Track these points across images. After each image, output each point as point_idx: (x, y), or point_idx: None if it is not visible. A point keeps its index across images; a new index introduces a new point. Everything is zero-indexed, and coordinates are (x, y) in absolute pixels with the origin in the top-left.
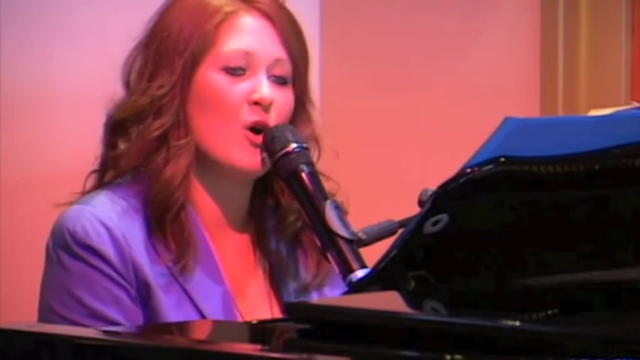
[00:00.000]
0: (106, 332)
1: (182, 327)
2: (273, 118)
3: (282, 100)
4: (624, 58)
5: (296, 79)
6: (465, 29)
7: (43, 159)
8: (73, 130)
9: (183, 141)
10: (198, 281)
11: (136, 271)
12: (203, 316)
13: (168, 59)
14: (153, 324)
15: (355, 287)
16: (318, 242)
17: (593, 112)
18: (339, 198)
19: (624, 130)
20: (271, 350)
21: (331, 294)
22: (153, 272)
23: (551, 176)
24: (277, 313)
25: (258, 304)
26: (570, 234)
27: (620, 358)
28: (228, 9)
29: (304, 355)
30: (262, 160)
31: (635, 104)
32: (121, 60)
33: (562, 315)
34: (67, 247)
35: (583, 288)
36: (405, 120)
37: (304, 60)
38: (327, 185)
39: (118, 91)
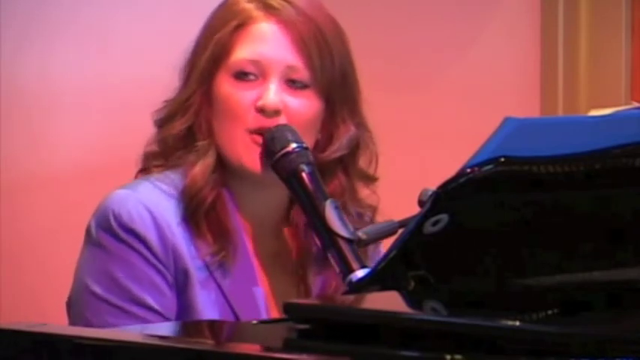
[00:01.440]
0: (105, 332)
1: (181, 327)
2: (282, 122)
3: (296, 105)
4: (624, 58)
5: (320, 85)
6: (465, 29)
7: (43, 159)
8: (73, 130)
9: (205, 142)
10: (234, 280)
11: (176, 259)
12: (236, 315)
13: (194, 65)
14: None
15: (355, 287)
16: (318, 242)
17: (593, 112)
18: (380, 214)
19: (624, 130)
20: (271, 350)
21: None
22: (192, 264)
23: (551, 176)
24: None
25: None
26: (570, 234)
27: (620, 358)
28: (245, 16)
29: (304, 355)
30: (261, 161)
31: (635, 104)
32: (121, 60)
33: (562, 315)
34: (110, 230)
35: (583, 288)
36: (404, 120)
37: (329, 64)
38: (370, 198)
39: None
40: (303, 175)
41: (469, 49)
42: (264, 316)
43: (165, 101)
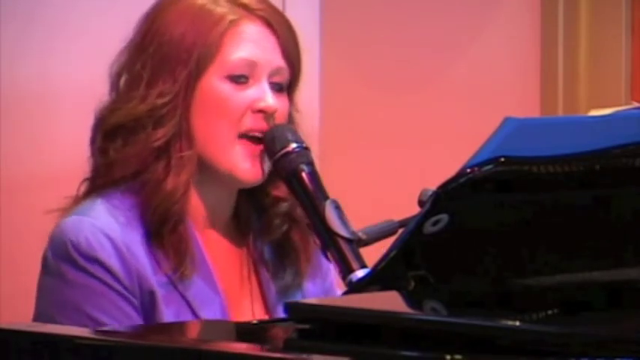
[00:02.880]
0: (105, 332)
1: (181, 327)
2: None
3: (281, 107)
4: (624, 58)
5: (292, 86)
6: (465, 29)
7: (42, 159)
8: (72, 130)
9: (186, 153)
10: (196, 288)
11: (141, 281)
12: None
13: (169, 66)
14: (153, 325)
15: (355, 287)
16: (318, 242)
17: (593, 112)
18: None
19: (624, 130)
20: (271, 350)
21: (314, 290)
22: (156, 282)
23: (551, 176)
24: (259, 315)
25: (246, 307)
26: (570, 234)
27: (620, 358)
28: (231, 17)
29: (304, 355)
30: (262, 170)
31: (635, 104)
32: None
33: (562, 315)
34: (70, 260)
35: (583, 288)
36: (405, 120)
37: (300, 67)
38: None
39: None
40: (303, 175)
41: (469, 49)
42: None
43: (109, 108)
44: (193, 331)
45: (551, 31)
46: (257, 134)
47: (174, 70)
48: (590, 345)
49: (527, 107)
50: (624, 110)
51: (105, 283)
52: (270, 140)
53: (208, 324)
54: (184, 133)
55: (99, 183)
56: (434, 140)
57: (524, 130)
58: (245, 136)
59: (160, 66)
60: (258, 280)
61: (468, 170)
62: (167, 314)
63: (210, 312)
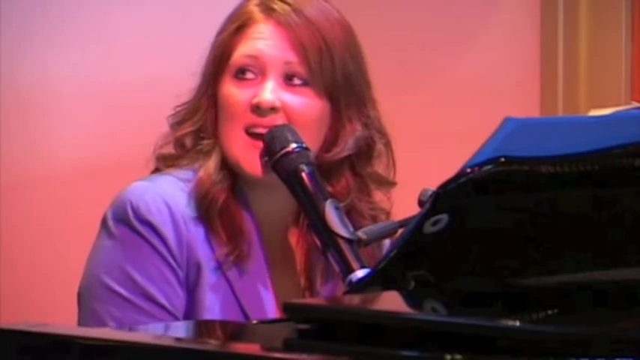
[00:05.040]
0: (105, 332)
1: (184, 326)
2: (281, 121)
3: (295, 102)
4: (624, 58)
5: (320, 83)
6: (465, 29)
7: (42, 159)
8: (72, 130)
9: (209, 141)
10: (247, 280)
11: (190, 254)
12: (246, 316)
13: (203, 69)
14: (153, 325)
15: (355, 287)
16: (318, 242)
17: (593, 112)
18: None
19: (624, 130)
20: (271, 350)
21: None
22: (205, 262)
23: (551, 176)
24: None
25: None
26: (570, 234)
27: (620, 358)
28: (245, 18)
29: (304, 355)
30: (263, 164)
31: (635, 104)
32: (121, 60)
33: (562, 315)
34: (126, 221)
35: (583, 288)
36: (404, 120)
37: (329, 64)
38: (383, 203)
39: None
40: (303, 175)
41: (469, 49)
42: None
43: (179, 105)
44: (194, 331)
45: (551, 32)
46: (256, 130)
47: (204, 72)
48: (590, 345)
49: (527, 107)
50: (624, 110)
51: (155, 250)
52: (270, 140)
53: (209, 324)
54: (208, 128)
55: (159, 168)
56: (434, 140)
57: (524, 130)
58: (247, 132)
59: (202, 69)
60: (317, 291)
61: (468, 170)
62: (211, 298)
63: (255, 307)
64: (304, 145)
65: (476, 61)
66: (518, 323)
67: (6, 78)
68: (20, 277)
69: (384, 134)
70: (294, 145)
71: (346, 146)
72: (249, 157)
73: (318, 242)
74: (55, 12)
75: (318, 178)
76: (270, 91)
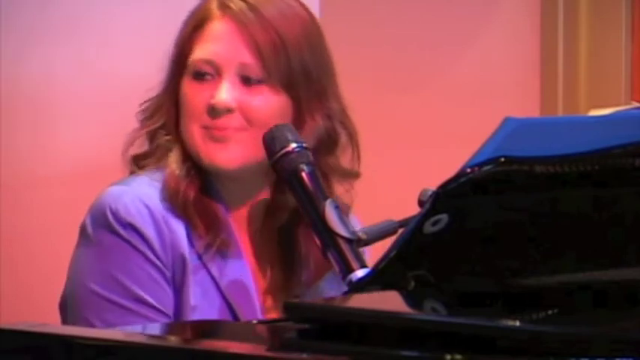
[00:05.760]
0: (105, 332)
1: (182, 326)
2: (236, 121)
3: (252, 102)
4: (624, 58)
5: (276, 80)
6: (465, 29)
7: (45, 160)
8: (74, 131)
9: (167, 138)
10: (228, 272)
11: (175, 254)
12: (229, 305)
13: (166, 65)
14: (152, 325)
15: (355, 287)
16: (318, 242)
17: (593, 112)
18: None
19: (624, 130)
20: (271, 350)
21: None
22: (189, 259)
23: (551, 176)
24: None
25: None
26: (570, 234)
27: (620, 358)
28: (202, 15)
29: (304, 355)
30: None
31: (635, 104)
32: (123, 62)
33: (562, 315)
34: (107, 226)
35: (583, 288)
36: (405, 120)
37: (284, 60)
38: (344, 196)
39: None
40: (303, 174)
41: (469, 49)
42: (258, 309)
43: (146, 101)
44: (194, 331)
45: (551, 32)
46: (213, 133)
47: (166, 71)
48: (590, 345)
49: (527, 107)
50: (624, 110)
51: (139, 252)
52: (270, 140)
53: (208, 324)
54: (167, 125)
55: (133, 170)
56: (434, 140)
57: (524, 130)
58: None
59: (167, 66)
60: (280, 274)
61: (468, 170)
62: (195, 291)
63: (241, 299)
64: (304, 145)
65: (476, 61)
66: (518, 323)
67: (9, 79)
68: (20, 277)
69: (347, 126)
70: (294, 145)
71: (308, 139)
72: (207, 148)
73: (318, 242)
74: (58, 15)
75: (319, 177)
76: (225, 92)
